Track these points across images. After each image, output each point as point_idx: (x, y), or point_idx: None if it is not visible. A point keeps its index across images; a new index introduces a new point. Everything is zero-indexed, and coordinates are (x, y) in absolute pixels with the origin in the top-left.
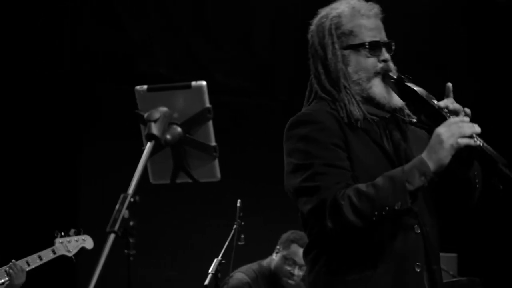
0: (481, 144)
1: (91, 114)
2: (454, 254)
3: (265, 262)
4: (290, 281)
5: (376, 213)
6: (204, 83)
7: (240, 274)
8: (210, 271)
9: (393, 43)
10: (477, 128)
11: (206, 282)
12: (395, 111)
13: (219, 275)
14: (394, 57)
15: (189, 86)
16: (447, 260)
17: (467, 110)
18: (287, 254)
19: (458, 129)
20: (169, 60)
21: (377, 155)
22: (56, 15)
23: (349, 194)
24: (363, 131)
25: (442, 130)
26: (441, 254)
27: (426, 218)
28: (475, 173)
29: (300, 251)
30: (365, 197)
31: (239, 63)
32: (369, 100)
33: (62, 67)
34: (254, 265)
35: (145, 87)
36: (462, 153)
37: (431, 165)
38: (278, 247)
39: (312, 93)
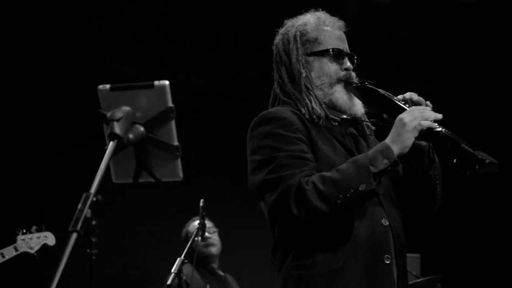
0: (442, 130)
1: (56, 113)
2: (417, 255)
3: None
4: (210, 248)
5: (340, 195)
6: (166, 82)
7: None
8: (172, 270)
9: (355, 56)
10: (439, 115)
11: (169, 282)
12: (356, 118)
13: (182, 274)
14: (365, 62)
15: (152, 86)
16: (411, 261)
17: (429, 103)
18: (205, 239)
19: (420, 114)
20: (133, 60)
21: (340, 152)
22: (21, 14)
23: (313, 179)
24: (326, 129)
25: (404, 115)
26: None
27: (394, 212)
28: (436, 173)
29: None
30: (330, 181)
31: (202, 62)
32: (331, 106)
33: (28, 66)
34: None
35: (108, 86)
36: (424, 137)
37: (395, 148)
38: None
39: (276, 100)
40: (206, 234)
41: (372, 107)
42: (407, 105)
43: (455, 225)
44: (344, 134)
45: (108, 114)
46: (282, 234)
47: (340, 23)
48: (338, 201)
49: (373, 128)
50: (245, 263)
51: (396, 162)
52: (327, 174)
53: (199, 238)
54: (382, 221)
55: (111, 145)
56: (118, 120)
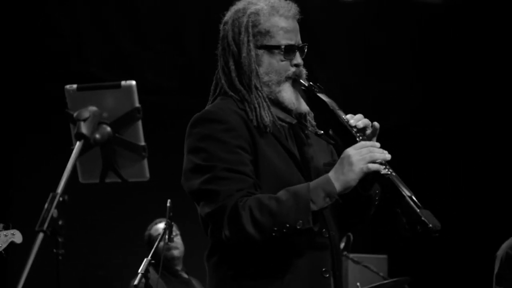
0: (389, 173)
1: (24, 113)
2: (385, 256)
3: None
4: (172, 251)
5: (275, 228)
6: (133, 82)
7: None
8: (139, 271)
9: (306, 46)
10: (387, 155)
11: (136, 282)
12: (301, 118)
13: (149, 275)
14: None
15: (119, 86)
16: (378, 262)
17: (376, 124)
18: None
19: (369, 154)
20: (100, 60)
21: (285, 159)
22: None
23: (251, 204)
24: (272, 134)
25: (352, 152)
26: (372, 256)
27: (332, 222)
28: (376, 191)
29: (161, 224)
30: (267, 211)
31: (169, 62)
32: (277, 103)
33: None
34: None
35: (75, 86)
36: (368, 177)
37: (337, 186)
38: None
39: (218, 88)
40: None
41: (318, 115)
42: (355, 129)
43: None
44: (289, 140)
45: (75, 114)
46: (218, 240)
47: (294, 10)
48: (273, 234)
49: (314, 124)
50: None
51: (337, 201)
52: (266, 201)
53: (166, 238)
54: (323, 232)
55: (77, 145)
56: (84, 120)
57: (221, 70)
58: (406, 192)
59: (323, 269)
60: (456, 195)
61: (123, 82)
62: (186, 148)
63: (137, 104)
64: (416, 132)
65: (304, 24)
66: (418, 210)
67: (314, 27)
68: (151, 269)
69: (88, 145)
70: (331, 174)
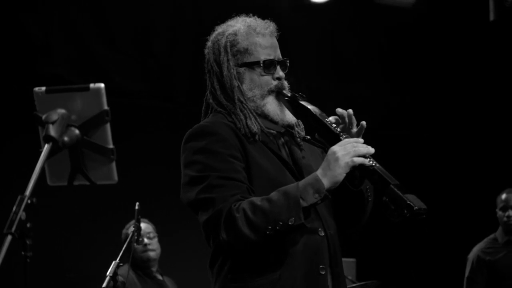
0: (374, 165)
1: None
2: (353, 259)
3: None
4: (149, 253)
5: (269, 227)
6: (102, 85)
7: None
8: (108, 273)
9: (287, 61)
10: (371, 149)
11: (104, 285)
12: (289, 127)
13: (117, 277)
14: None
15: (87, 88)
16: (346, 265)
17: (363, 123)
18: (141, 242)
19: (353, 148)
20: (69, 62)
21: (277, 164)
22: None
23: (244, 207)
24: (261, 142)
25: (337, 148)
26: None
27: (329, 221)
28: (367, 187)
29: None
30: (260, 210)
31: (138, 65)
32: (264, 116)
33: None
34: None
35: (43, 88)
36: (355, 173)
37: (325, 182)
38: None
39: (209, 109)
40: (146, 240)
41: (303, 122)
42: (338, 129)
43: (390, 229)
44: (279, 145)
45: (44, 117)
46: (218, 248)
47: (271, 28)
48: (267, 232)
49: (302, 133)
50: (184, 266)
51: (326, 196)
52: (258, 202)
53: (137, 241)
54: (319, 231)
55: (46, 147)
56: (53, 123)
57: (209, 91)
58: (391, 181)
59: (320, 266)
60: (425, 199)
61: (91, 85)
62: (182, 164)
63: (106, 107)
64: (385, 135)
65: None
66: (402, 195)
67: (283, 31)
68: (124, 268)
69: (57, 147)
70: (318, 172)
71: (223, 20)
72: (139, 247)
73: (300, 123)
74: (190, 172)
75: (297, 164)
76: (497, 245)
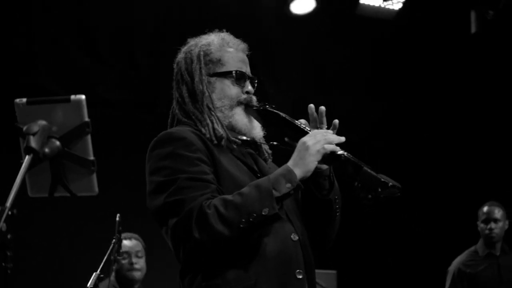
0: (345, 154)
1: None
2: (334, 271)
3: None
4: (134, 273)
5: (243, 220)
6: (83, 97)
7: None
8: (88, 285)
9: (256, 80)
10: (342, 138)
11: None
12: (254, 142)
13: None
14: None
15: (68, 100)
16: (327, 277)
17: (336, 122)
18: (121, 254)
19: (324, 137)
20: (51, 73)
21: (244, 171)
22: None
23: (215, 203)
24: (228, 149)
25: (307, 138)
26: (321, 271)
27: (301, 228)
28: (336, 197)
29: (128, 242)
30: (232, 205)
31: (120, 76)
32: (231, 128)
33: None
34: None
35: (24, 100)
36: (326, 161)
37: (297, 172)
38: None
39: (174, 120)
40: (133, 259)
41: (273, 130)
42: (308, 128)
43: (371, 241)
44: (244, 154)
45: (24, 128)
46: (189, 256)
47: (243, 46)
48: (241, 225)
49: (270, 152)
50: (163, 280)
51: (299, 186)
52: (229, 197)
53: (118, 252)
54: (292, 236)
55: (27, 159)
56: (34, 134)
57: (176, 102)
58: (363, 165)
59: (297, 271)
60: (406, 211)
61: (72, 97)
62: (147, 171)
63: (87, 119)
64: (371, 146)
65: (258, 39)
66: (376, 175)
67: (267, 43)
68: (106, 282)
69: (38, 159)
70: (289, 163)
71: (204, 34)
72: (125, 265)
73: (264, 140)
74: (157, 178)
75: (264, 172)
76: (478, 257)
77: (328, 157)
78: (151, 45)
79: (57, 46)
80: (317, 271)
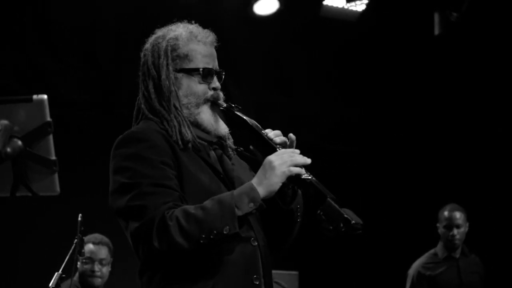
0: (310, 177)
1: None
2: (295, 272)
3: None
4: (94, 279)
5: (203, 235)
6: (45, 96)
7: None
8: (50, 285)
9: (223, 73)
10: (308, 160)
11: None
12: (220, 138)
13: None
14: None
15: (30, 100)
16: (289, 278)
17: (291, 136)
18: (84, 255)
19: (290, 158)
20: (13, 73)
21: (209, 173)
22: None
23: (177, 215)
24: (193, 151)
25: (273, 158)
26: (283, 272)
27: (261, 232)
28: (298, 206)
29: (94, 247)
30: (193, 219)
31: (81, 76)
32: (196, 125)
33: None
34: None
35: None
36: (290, 184)
37: (261, 191)
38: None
39: (140, 113)
40: (96, 266)
41: (238, 133)
42: (273, 141)
43: (332, 242)
44: (210, 155)
45: None
46: (148, 257)
47: (212, 38)
48: (201, 241)
49: (234, 147)
50: (126, 281)
51: (261, 206)
52: (192, 210)
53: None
54: (251, 241)
55: None
56: None
57: (142, 95)
58: (328, 194)
59: (254, 276)
60: (371, 211)
61: (34, 96)
62: (111, 170)
63: (49, 118)
64: (329, 150)
65: (220, 40)
66: (340, 209)
67: (229, 45)
68: (68, 282)
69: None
70: (254, 181)
71: (174, 22)
72: (86, 270)
73: (230, 136)
74: (120, 178)
75: (228, 175)
76: (437, 260)
77: (293, 180)
78: (113, 45)
79: (18, 46)
80: (279, 272)
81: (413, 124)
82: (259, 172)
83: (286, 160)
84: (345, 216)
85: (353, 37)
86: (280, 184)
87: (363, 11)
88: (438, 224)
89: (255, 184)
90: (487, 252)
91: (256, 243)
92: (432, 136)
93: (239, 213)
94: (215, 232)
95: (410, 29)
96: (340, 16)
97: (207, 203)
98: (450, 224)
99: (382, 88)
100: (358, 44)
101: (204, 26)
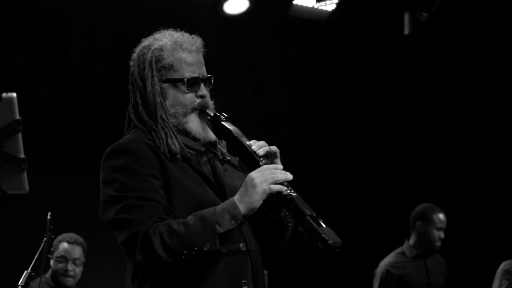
0: (291, 193)
1: None
2: (265, 271)
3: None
4: (67, 279)
5: (185, 252)
6: (14, 95)
7: None
8: (19, 283)
9: (212, 78)
10: (289, 176)
11: None
12: (210, 145)
13: (29, 287)
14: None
15: (0, 98)
16: None
17: (273, 148)
18: (58, 253)
19: (271, 175)
20: None
21: (199, 181)
22: None
23: (161, 230)
24: (182, 160)
25: (255, 175)
26: None
27: (251, 237)
28: (287, 213)
29: (68, 246)
30: (176, 235)
31: (53, 75)
32: (185, 133)
33: None
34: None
35: None
36: (272, 199)
37: (242, 208)
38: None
39: (131, 122)
40: (69, 265)
41: (224, 141)
42: (257, 154)
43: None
44: (200, 163)
45: None
46: (138, 265)
47: (198, 44)
48: (183, 256)
49: (224, 150)
50: (99, 280)
51: (242, 222)
52: (174, 226)
53: (48, 251)
54: (241, 246)
55: None
56: None
57: (132, 105)
58: (307, 212)
59: (243, 281)
60: (341, 210)
61: (4, 94)
62: (101, 181)
63: (18, 117)
64: (303, 149)
65: None
66: (318, 228)
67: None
68: (37, 281)
69: None
70: (236, 197)
71: (139, 34)
72: (59, 269)
73: (223, 142)
74: (109, 190)
75: (219, 181)
76: (405, 259)
77: (274, 196)
78: (85, 45)
79: None
80: None
81: (385, 123)
82: (242, 188)
83: (267, 178)
84: (323, 236)
85: (323, 37)
86: (261, 201)
87: (333, 10)
88: (419, 222)
89: (236, 202)
90: (449, 253)
91: (245, 248)
92: (401, 134)
93: (220, 230)
94: (196, 248)
95: (380, 29)
96: (310, 16)
97: (190, 219)
98: (443, 227)
99: (355, 87)
100: (328, 44)
101: (175, 25)
